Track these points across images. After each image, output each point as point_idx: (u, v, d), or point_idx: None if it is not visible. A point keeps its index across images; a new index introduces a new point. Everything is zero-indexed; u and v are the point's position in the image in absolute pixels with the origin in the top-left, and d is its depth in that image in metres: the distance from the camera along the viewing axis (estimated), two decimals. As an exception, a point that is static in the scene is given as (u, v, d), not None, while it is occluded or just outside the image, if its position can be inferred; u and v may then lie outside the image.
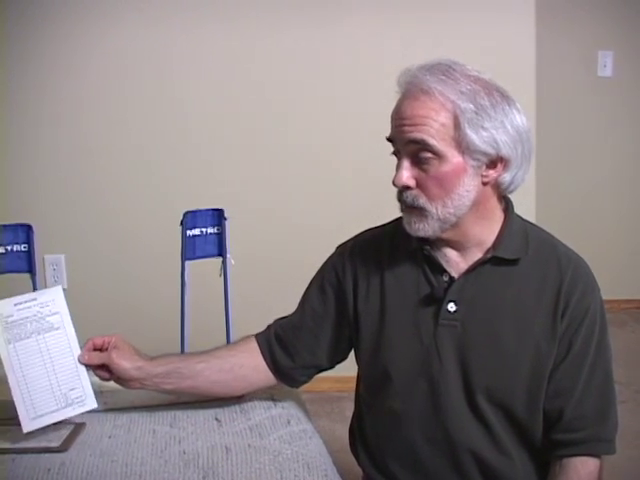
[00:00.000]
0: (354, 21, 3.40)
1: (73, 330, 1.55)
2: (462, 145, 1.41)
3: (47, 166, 3.42)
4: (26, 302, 1.52)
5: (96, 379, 1.58)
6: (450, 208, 1.45)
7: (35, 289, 1.73)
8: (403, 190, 1.47)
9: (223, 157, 3.46)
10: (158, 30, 3.36)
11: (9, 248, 1.62)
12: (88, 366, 1.54)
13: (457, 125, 1.41)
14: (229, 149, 3.46)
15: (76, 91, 3.40)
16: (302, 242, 3.43)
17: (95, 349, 1.56)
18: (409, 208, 1.47)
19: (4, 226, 1.62)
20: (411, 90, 1.44)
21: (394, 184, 1.47)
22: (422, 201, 1.45)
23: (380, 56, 3.35)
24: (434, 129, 1.41)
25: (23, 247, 1.63)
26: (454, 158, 1.42)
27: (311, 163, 3.49)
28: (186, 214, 1.69)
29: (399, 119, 1.45)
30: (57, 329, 1.53)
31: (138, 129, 3.43)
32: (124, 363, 1.54)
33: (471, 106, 1.40)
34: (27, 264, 1.64)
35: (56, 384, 1.51)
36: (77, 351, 1.54)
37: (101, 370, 1.56)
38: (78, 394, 1.52)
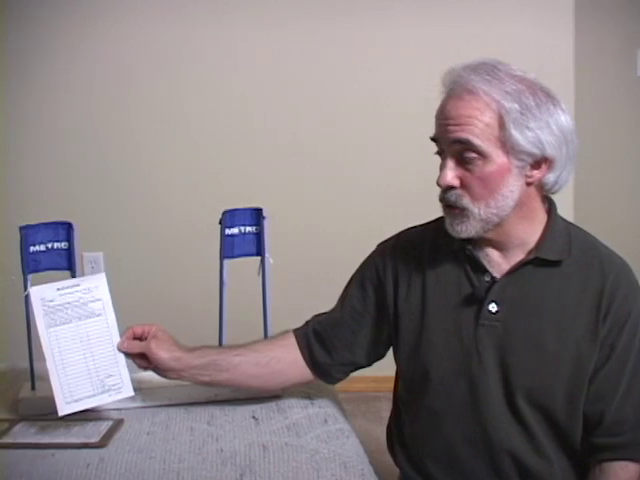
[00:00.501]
0: (394, 21, 3.40)
1: (114, 317, 1.55)
2: (507, 145, 1.41)
3: (86, 164, 3.46)
4: (69, 287, 1.53)
5: (135, 375, 1.59)
6: (493, 209, 1.44)
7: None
8: (447, 190, 1.46)
9: (262, 156, 3.47)
10: (200, 28, 3.39)
11: (50, 246, 1.63)
12: (127, 354, 1.55)
13: (502, 125, 1.40)
14: (269, 148, 3.48)
15: (115, 91, 3.43)
16: (341, 241, 3.44)
17: (135, 338, 1.57)
18: (451, 208, 1.47)
19: (45, 224, 1.63)
20: (456, 90, 1.43)
21: (438, 184, 1.47)
22: (465, 201, 1.45)
23: (421, 56, 3.35)
24: (479, 129, 1.40)
25: (63, 245, 1.64)
26: (498, 158, 1.42)
27: (352, 162, 3.50)
28: (225, 213, 1.69)
29: (444, 119, 1.44)
30: (98, 315, 1.54)
31: (178, 129, 3.46)
32: (163, 354, 1.54)
33: (516, 106, 1.40)
34: (67, 262, 1.64)
35: (94, 370, 1.51)
36: (117, 338, 1.55)
37: (139, 359, 1.56)
38: (115, 381, 1.53)
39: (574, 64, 3.42)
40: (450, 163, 1.45)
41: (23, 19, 3.32)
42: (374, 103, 3.46)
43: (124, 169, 3.47)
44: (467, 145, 1.41)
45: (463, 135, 1.41)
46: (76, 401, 1.49)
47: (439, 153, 1.49)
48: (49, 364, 1.49)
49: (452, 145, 1.43)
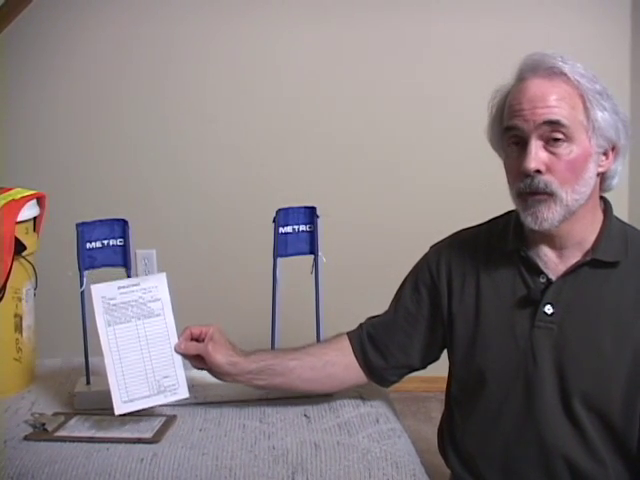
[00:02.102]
0: (450, 19, 3.38)
1: (173, 318, 1.56)
2: (589, 129, 1.41)
3: (139, 162, 3.49)
4: (129, 287, 1.55)
5: (189, 373, 1.60)
6: (577, 194, 1.43)
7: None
8: (533, 175, 1.42)
9: (317, 155, 3.48)
10: (258, 26, 3.41)
11: (105, 243, 1.65)
12: (184, 355, 1.56)
13: (586, 107, 1.41)
14: (323, 148, 3.48)
15: (170, 89, 3.46)
16: (394, 241, 3.42)
17: (192, 339, 1.57)
18: (538, 195, 1.43)
19: (101, 221, 1.65)
20: (539, 72, 1.43)
21: (523, 170, 1.42)
22: (554, 186, 1.42)
23: (478, 54, 3.34)
24: (566, 111, 1.40)
25: (119, 242, 1.65)
26: (583, 142, 1.41)
27: (404, 161, 3.48)
28: (279, 211, 1.69)
29: (529, 102, 1.42)
30: (157, 316, 1.55)
31: (232, 127, 3.47)
32: (219, 358, 1.55)
33: (597, 87, 1.41)
34: (122, 258, 1.66)
35: (151, 370, 1.53)
36: (174, 339, 1.55)
37: (196, 360, 1.57)
38: (171, 382, 1.54)
39: (630, 66, 3.37)
40: (536, 146, 1.42)
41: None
42: (427, 102, 3.44)
43: (177, 166, 3.49)
44: (556, 126, 1.40)
45: (553, 116, 1.40)
46: (132, 401, 1.51)
47: (515, 142, 1.46)
48: (107, 362, 1.50)
49: (539, 128, 1.41)
